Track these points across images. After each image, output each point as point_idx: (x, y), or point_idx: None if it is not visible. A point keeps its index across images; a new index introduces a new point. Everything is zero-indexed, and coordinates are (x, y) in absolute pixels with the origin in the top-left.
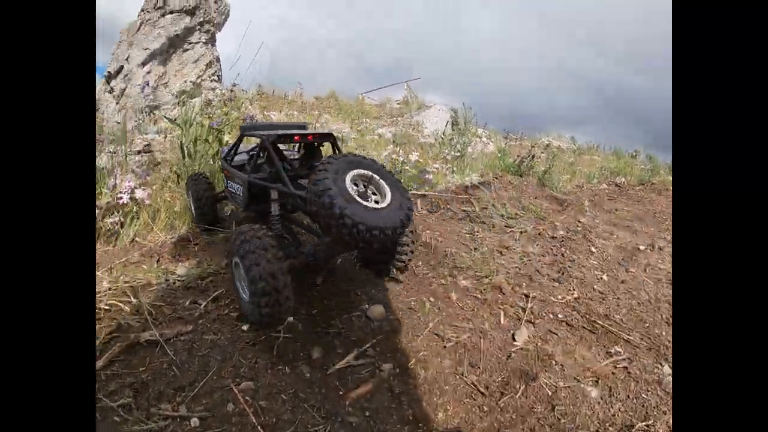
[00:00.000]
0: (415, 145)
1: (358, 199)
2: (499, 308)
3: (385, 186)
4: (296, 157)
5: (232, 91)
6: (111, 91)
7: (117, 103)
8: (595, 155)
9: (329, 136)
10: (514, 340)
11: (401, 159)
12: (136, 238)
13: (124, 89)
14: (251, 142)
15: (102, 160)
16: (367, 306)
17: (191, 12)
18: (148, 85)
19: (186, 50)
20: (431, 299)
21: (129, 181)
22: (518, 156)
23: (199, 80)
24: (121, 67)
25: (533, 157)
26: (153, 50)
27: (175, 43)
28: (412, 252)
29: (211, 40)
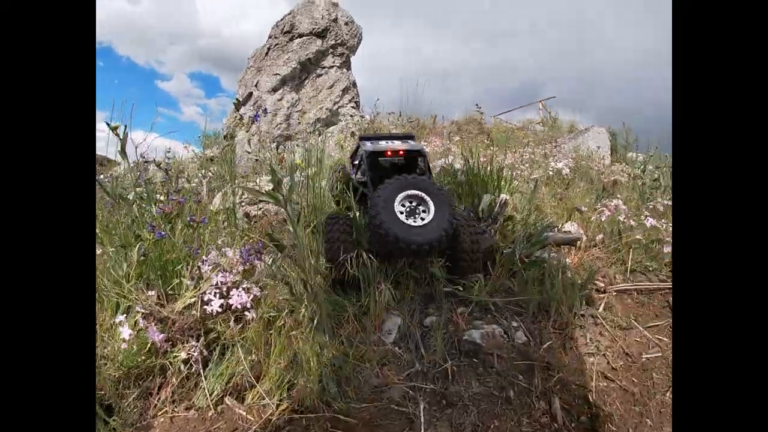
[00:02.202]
0: (603, 184)
1: (400, 217)
2: None
3: (432, 205)
4: (402, 163)
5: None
6: (240, 118)
7: (247, 131)
8: None
9: (418, 152)
10: None
11: (632, 223)
12: (227, 398)
13: (254, 116)
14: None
15: (212, 202)
16: None
17: (321, 35)
18: (265, 112)
19: (320, 75)
20: None
21: (222, 274)
22: None
23: (335, 107)
24: (250, 94)
25: None
26: (283, 76)
27: (308, 68)
28: (469, 260)
29: (346, 64)
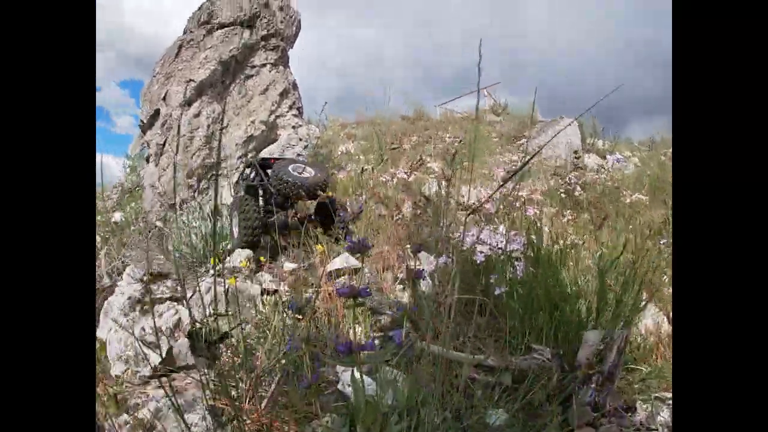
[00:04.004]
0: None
1: (292, 172)
2: None
3: (311, 169)
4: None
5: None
6: (147, 146)
7: (156, 165)
8: None
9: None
10: None
11: None
12: None
13: (163, 143)
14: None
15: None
16: None
17: (249, 24)
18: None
19: (249, 77)
20: None
21: None
22: None
23: (272, 117)
24: (157, 112)
25: None
26: (200, 82)
27: (232, 69)
28: (345, 224)
29: (282, 60)
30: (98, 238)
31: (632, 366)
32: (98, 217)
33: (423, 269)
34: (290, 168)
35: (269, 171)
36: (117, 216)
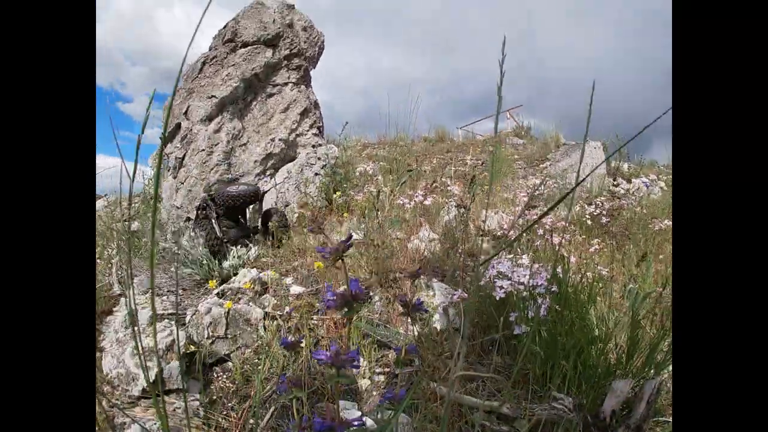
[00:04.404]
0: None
1: (230, 190)
2: None
3: (244, 186)
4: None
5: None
6: (167, 158)
7: (174, 178)
8: None
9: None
10: None
11: None
12: None
13: (183, 157)
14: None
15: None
16: None
17: (272, 43)
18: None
19: (271, 95)
20: None
21: None
22: None
23: (292, 136)
24: (178, 126)
25: None
26: (222, 98)
27: (255, 86)
28: (282, 224)
29: (304, 80)
30: (113, 246)
31: (660, 419)
32: (118, 225)
33: (421, 301)
34: (227, 188)
35: (214, 196)
36: (135, 225)
